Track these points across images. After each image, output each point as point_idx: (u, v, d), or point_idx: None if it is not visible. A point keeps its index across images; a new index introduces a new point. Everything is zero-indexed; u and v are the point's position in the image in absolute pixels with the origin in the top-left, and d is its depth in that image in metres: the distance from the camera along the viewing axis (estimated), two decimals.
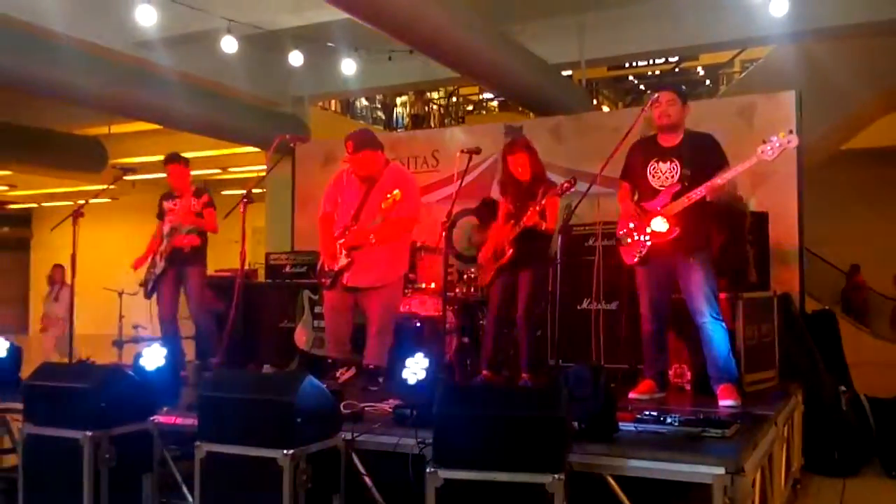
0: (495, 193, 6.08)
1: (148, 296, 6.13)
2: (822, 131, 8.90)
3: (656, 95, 4.48)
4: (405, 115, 16.47)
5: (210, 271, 7.13)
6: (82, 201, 6.10)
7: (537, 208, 4.90)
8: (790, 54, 9.22)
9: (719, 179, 4.24)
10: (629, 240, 4.49)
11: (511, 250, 5.03)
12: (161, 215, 6.17)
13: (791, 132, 4.20)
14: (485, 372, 5.20)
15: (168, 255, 5.94)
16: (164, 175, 6.23)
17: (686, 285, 4.42)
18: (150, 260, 6.09)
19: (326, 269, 5.09)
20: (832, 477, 5.07)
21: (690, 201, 4.29)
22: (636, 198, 4.57)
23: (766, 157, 4.17)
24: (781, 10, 6.94)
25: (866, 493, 4.86)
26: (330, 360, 5.20)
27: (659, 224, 4.35)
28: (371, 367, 5.06)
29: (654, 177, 4.46)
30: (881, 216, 12.45)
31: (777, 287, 5.54)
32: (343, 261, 4.99)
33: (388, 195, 4.86)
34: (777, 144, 4.14)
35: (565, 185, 4.83)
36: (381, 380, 5.01)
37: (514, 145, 5.24)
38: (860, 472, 5.17)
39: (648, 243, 4.40)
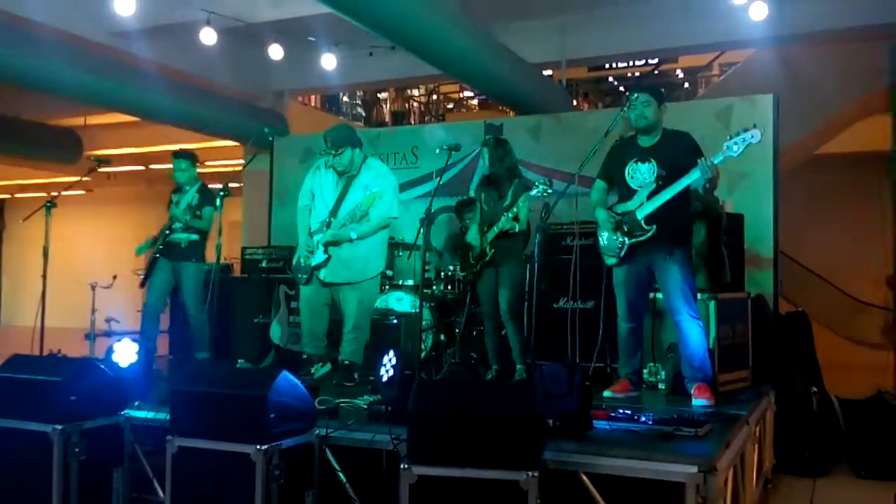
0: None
1: (143, 284, 6.14)
2: (799, 135, 8.97)
3: (635, 96, 4.50)
4: (385, 112, 16.43)
5: None
6: (55, 193, 6.03)
7: (510, 215, 5.00)
8: (769, 58, 9.31)
9: (688, 177, 4.26)
10: (608, 241, 4.52)
11: (493, 251, 5.14)
12: (169, 208, 6.18)
13: (755, 126, 4.21)
14: (494, 367, 5.29)
15: (165, 247, 5.97)
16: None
17: (664, 283, 4.46)
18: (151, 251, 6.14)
19: (303, 263, 5.07)
20: (803, 477, 5.13)
21: (664, 200, 4.32)
22: (615, 198, 4.60)
23: (732, 154, 4.19)
24: (761, 15, 7.02)
25: (836, 493, 4.92)
26: (305, 356, 5.18)
27: (634, 223, 4.38)
28: (347, 363, 5.04)
29: (632, 177, 4.49)
30: (857, 220, 12.59)
31: (751, 289, 5.59)
32: (321, 257, 4.97)
33: (370, 193, 4.85)
34: (741, 140, 4.17)
35: (542, 185, 4.86)
36: (356, 376, 4.99)
37: (488, 142, 5.35)
38: (830, 472, 5.24)
39: (627, 243, 4.43)
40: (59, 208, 5.99)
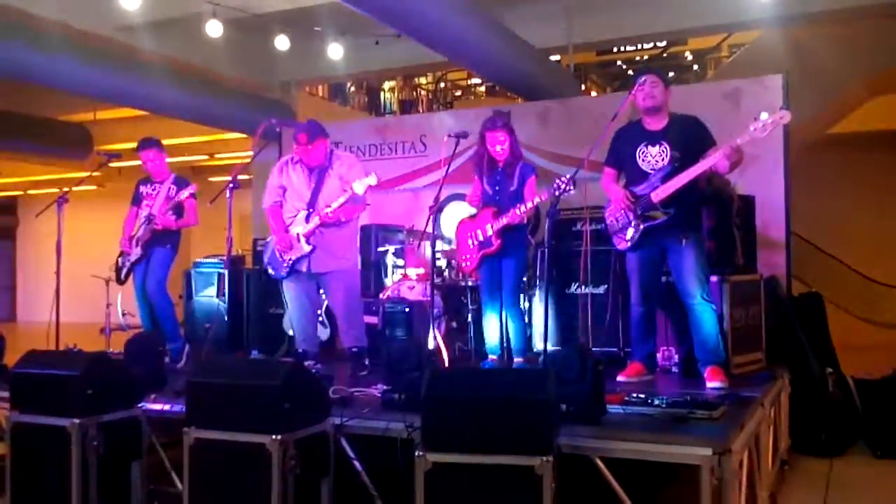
0: None
1: (121, 281, 6.04)
2: (809, 115, 8.90)
3: (643, 79, 4.47)
4: (393, 101, 16.40)
5: (198, 257, 7.11)
6: (67, 188, 6.03)
7: (522, 209, 4.83)
8: (777, 38, 9.22)
9: (713, 158, 4.22)
10: (620, 224, 4.49)
11: (499, 241, 4.98)
12: (136, 200, 5.97)
13: (783, 108, 4.19)
14: (491, 356, 5.17)
15: (145, 242, 5.77)
16: None
17: (677, 267, 4.44)
18: (125, 242, 5.90)
19: (282, 258, 5.09)
20: (819, 457, 5.12)
21: (683, 182, 4.29)
22: (623, 182, 4.58)
23: (759, 134, 4.14)
24: None
25: (852, 473, 4.90)
26: (301, 351, 5.20)
27: (648, 206, 4.35)
28: (354, 349, 5.09)
29: (643, 160, 4.46)
30: (868, 199, 12.51)
31: (764, 270, 5.57)
32: (305, 248, 5.01)
33: (362, 180, 4.86)
34: (769, 121, 4.11)
35: (563, 185, 4.42)
36: (367, 362, 5.03)
37: (494, 122, 5.06)
38: (846, 453, 5.22)
39: (641, 227, 4.41)
40: (72, 204, 5.99)
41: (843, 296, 10.94)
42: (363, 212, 5.29)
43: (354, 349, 5.13)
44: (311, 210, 5.04)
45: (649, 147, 4.45)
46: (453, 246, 6.36)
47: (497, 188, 5.07)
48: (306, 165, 5.12)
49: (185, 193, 5.70)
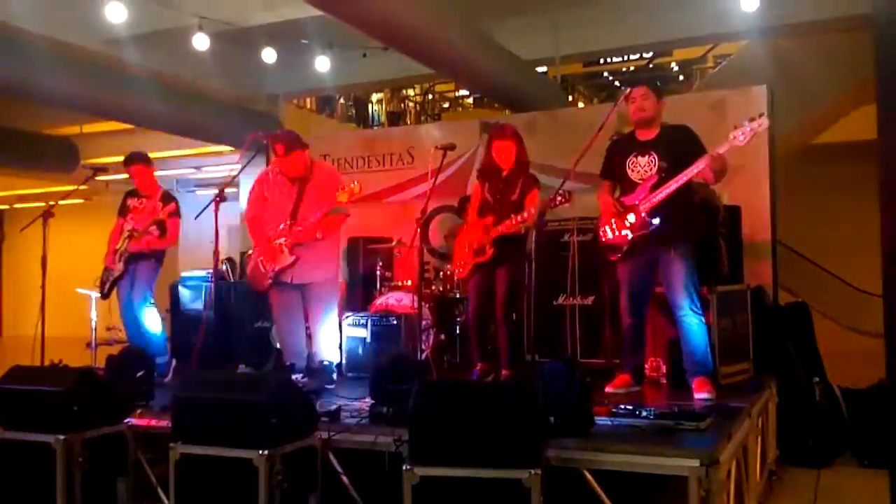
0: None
1: (105, 296, 5.99)
2: (794, 126, 8.96)
3: (629, 91, 4.50)
4: (381, 113, 16.42)
5: (186, 272, 7.07)
6: (52, 202, 6.00)
7: (519, 219, 4.81)
8: (762, 50, 9.30)
9: (696, 167, 4.25)
10: (611, 236, 4.50)
11: (492, 250, 4.97)
12: (123, 212, 5.94)
13: (761, 115, 4.21)
14: (480, 365, 5.17)
15: (126, 257, 5.73)
16: None
17: (667, 277, 4.45)
18: (109, 256, 5.87)
19: (265, 269, 5.06)
20: (807, 467, 5.12)
21: (668, 191, 4.31)
22: (618, 194, 4.59)
23: (739, 143, 4.18)
24: (753, 6, 7.01)
25: (840, 483, 4.91)
26: (288, 364, 5.17)
27: (633, 218, 4.37)
28: (326, 363, 5.08)
29: (633, 171, 4.49)
30: (853, 209, 12.59)
31: (750, 280, 5.59)
32: (288, 259, 4.98)
33: (348, 187, 4.85)
34: (748, 129, 4.16)
35: (559, 199, 4.59)
36: (334, 376, 5.05)
37: (503, 130, 5.08)
38: (834, 463, 5.23)
39: (630, 237, 4.42)
40: (58, 217, 5.96)
41: (830, 305, 10.99)
42: (343, 223, 5.22)
43: (325, 362, 5.09)
44: (292, 221, 5.01)
45: (639, 157, 4.48)
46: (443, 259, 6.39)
47: (498, 196, 5.04)
48: (287, 176, 5.11)
49: (166, 213, 5.65)
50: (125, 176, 5.98)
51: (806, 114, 9.35)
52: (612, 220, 4.48)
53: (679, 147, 4.41)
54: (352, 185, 4.86)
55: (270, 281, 5.08)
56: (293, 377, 4.98)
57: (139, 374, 4.30)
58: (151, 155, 6.14)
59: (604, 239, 4.54)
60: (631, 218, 4.41)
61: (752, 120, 4.18)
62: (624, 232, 4.43)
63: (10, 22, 7.03)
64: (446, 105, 17.61)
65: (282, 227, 5.04)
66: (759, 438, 4.39)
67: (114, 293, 5.91)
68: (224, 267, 7.12)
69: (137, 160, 5.91)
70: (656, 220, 4.34)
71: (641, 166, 4.46)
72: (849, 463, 5.24)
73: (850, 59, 8.94)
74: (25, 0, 6.91)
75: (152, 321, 5.78)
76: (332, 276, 5.21)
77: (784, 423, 5.19)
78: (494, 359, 5.16)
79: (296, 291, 5.14)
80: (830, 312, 10.77)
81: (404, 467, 2.92)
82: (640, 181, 4.44)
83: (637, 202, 4.40)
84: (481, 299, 5.14)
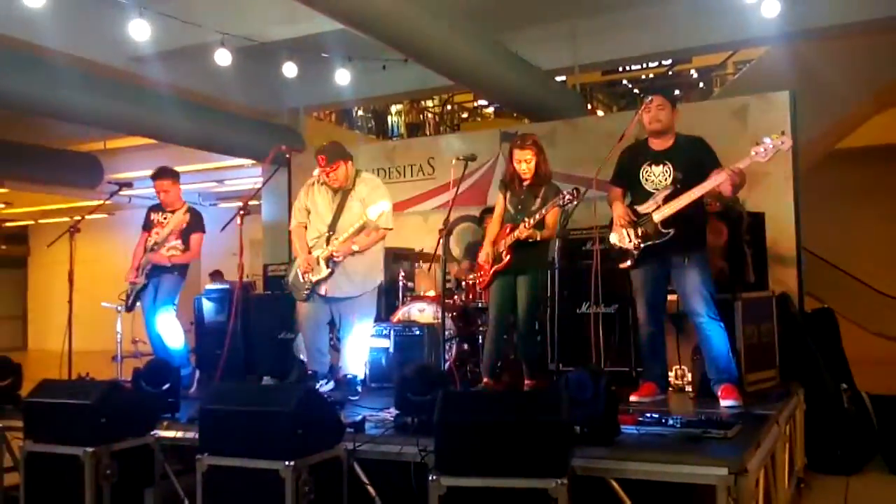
0: (493, 198, 6.06)
1: (129, 308, 6.06)
2: (817, 131, 8.89)
3: (650, 99, 4.49)
4: (400, 125, 16.48)
5: (209, 284, 7.13)
6: (78, 217, 6.07)
7: (532, 221, 4.86)
8: (783, 55, 9.24)
9: (714, 180, 4.24)
10: (623, 244, 4.50)
11: (509, 257, 5.01)
12: (147, 226, 6.02)
13: (784, 133, 4.21)
14: (486, 380, 5.18)
15: (149, 270, 5.83)
16: None
17: (682, 286, 4.44)
18: (132, 273, 5.96)
19: (303, 280, 5.09)
20: (836, 475, 5.07)
21: (684, 203, 4.30)
22: (629, 201, 4.58)
23: (760, 159, 4.18)
24: (773, 12, 6.96)
25: (870, 491, 4.85)
26: (310, 372, 5.19)
27: (646, 227, 4.37)
28: (350, 376, 5.08)
29: (646, 180, 4.48)
30: (879, 213, 12.46)
31: (775, 287, 5.55)
32: (324, 272, 4.99)
33: (379, 207, 4.89)
34: (770, 146, 4.15)
35: (567, 196, 4.76)
36: (359, 388, 5.04)
37: (523, 141, 5.09)
38: (863, 470, 5.17)
39: (642, 246, 4.41)
40: (83, 233, 6.03)
41: (856, 311, 10.86)
42: (382, 238, 5.19)
43: (350, 376, 5.09)
44: (331, 233, 5.03)
45: (653, 166, 4.47)
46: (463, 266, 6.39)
47: (519, 207, 5.07)
48: (329, 186, 5.13)
49: (193, 227, 5.77)
50: (149, 190, 6.05)
51: (829, 119, 9.28)
52: (625, 230, 4.47)
53: (694, 159, 4.40)
54: (382, 205, 4.91)
55: (307, 292, 5.09)
56: (317, 385, 5.02)
57: (165, 386, 4.32)
58: (175, 169, 6.20)
59: (618, 246, 4.53)
60: (644, 227, 4.40)
61: (775, 137, 4.16)
62: (636, 241, 4.42)
63: (35, 41, 7.15)
64: (465, 115, 17.64)
65: (321, 237, 5.06)
66: (787, 446, 4.35)
67: (138, 306, 5.99)
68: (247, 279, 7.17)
69: (166, 175, 5.99)
70: (670, 231, 4.33)
71: (656, 175, 4.46)
72: (879, 470, 5.17)
73: (874, 63, 8.88)
74: (50, 19, 7.00)
75: (174, 333, 5.83)
76: (366, 293, 5.14)
77: (812, 431, 5.13)
78: (505, 373, 5.16)
79: (326, 305, 5.13)
80: (857, 318, 10.65)
81: (430, 477, 2.92)
82: (654, 190, 4.44)
83: (651, 212, 4.40)
84: (502, 309, 5.14)
